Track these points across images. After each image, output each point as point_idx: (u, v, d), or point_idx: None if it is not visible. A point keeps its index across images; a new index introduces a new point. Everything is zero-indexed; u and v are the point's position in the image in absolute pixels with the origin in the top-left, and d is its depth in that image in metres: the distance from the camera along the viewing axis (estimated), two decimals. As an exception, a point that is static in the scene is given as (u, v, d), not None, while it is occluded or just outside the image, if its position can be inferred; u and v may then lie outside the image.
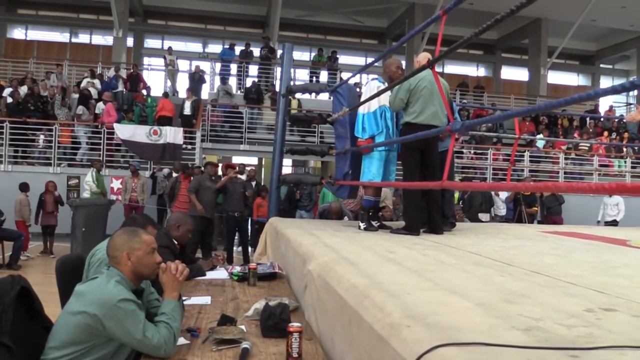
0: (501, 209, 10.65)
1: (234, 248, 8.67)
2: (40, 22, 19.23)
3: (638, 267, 2.76)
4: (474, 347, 1.24)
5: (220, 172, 9.20)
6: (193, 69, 14.97)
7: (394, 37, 19.92)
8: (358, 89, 11.94)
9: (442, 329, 1.38)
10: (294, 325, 2.00)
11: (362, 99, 4.36)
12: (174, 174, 9.90)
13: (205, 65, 16.56)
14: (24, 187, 8.93)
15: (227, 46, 16.17)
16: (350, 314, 1.83)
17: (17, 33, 19.68)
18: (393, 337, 1.43)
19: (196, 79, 14.46)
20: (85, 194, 9.70)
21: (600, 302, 1.75)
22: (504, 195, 10.60)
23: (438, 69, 2.70)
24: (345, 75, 13.35)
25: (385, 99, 4.28)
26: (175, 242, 3.72)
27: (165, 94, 13.63)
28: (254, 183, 9.77)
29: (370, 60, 18.24)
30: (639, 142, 15.23)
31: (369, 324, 1.62)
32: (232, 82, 15.49)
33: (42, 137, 11.68)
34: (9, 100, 12.11)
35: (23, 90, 12.55)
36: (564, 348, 1.23)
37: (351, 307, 1.83)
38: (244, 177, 8.91)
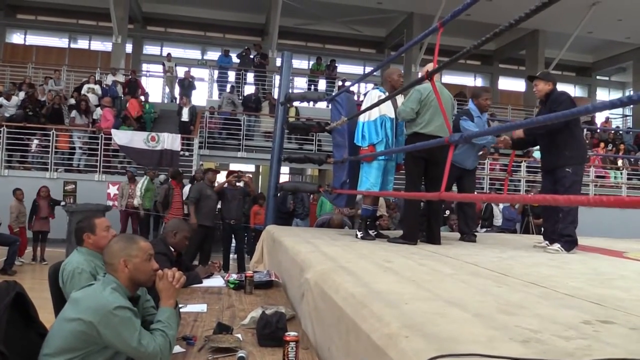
0: (498, 220, 10.66)
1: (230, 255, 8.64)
2: (39, 27, 19.25)
3: (635, 279, 2.76)
4: (471, 359, 1.23)
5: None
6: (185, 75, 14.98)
7: (392, 46, 20.01)
8: (356, 98, 11.97)
9: (440, 340, 1.37)
10: (291, 334, 1.99)
11: (363, 107, 4.37)
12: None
13: (204, 73, 16.59)
14: (14, 193, 8.90)
15: (222, 53, 16.18)
16: (348, 323, 1.82)
17: (16, 38, 19.68)
18: (391, 347, 1.42)
19: (186, 85, 14.46)
20: (137, 202, 9.71)
21: (598, 314, 1.75)
22: (500, 205, 10.62)
23: (435, 78, 2.70)
24: (345, 84, 13.36)
25: (385, 108, 4.30)
26: (172, 249, 3.70)
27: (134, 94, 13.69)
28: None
29: (368, 69, 18.35)
30: (635, 154, 15.29)
31: (366, 334, 1.61)
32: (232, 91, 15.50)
33: (35, 141, 11.63)
34: (16, 110, 12.11)
35: (20, 96, 12.56)
36: (562, 360, 1.23)
37: (349, 317, 1.83)
38: (241, 184, 8.90)
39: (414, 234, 4.07)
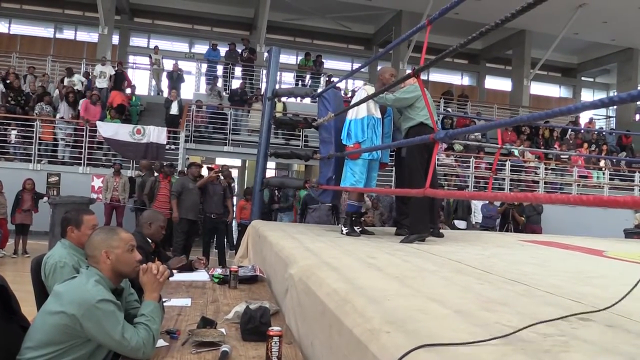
0: (477, 216, 10.77)
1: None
2: (24, 16, 18.93)
3: (614, 277, 2.81)
4: (449, 348, 1.26)
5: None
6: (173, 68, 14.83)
7: (381, 43, 20.05)
8: (344, 94, 11.96)
9: (421, 336, 1.39)
10: (274, 329, 2.00)
11: (353, 103, 4.37)
12: (155, 174, 9.79)
13: (191, 66, 16.45)
14: None
15: (210, 47, 16.08)
16: (331, 318, 1.83)
17: (0, 27, 19.34)
18: (373, 342, 1.44)
19: (174, 77, 14.34)
20: None
21: (577, 311, 1.78)
22: (480, 203, 10.72)
23: (423, 76, 2.73)
24: (334, 81, 13.38)
25: (373, 108, 4.32)
26: (150, 241, 3.68)
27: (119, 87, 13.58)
28: (233, 184, 9.73)
29: (356, 65, 18.35)
30: (617, 155, 15.51)
31: (349, 329, 1.63)
32: (218, 83, 15.41)
33: (14, 132, 11.45)
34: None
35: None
36: (539, 356, 1.26)
37: (332, 312, 1.84)
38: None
39: (424, 224, 4.03)
